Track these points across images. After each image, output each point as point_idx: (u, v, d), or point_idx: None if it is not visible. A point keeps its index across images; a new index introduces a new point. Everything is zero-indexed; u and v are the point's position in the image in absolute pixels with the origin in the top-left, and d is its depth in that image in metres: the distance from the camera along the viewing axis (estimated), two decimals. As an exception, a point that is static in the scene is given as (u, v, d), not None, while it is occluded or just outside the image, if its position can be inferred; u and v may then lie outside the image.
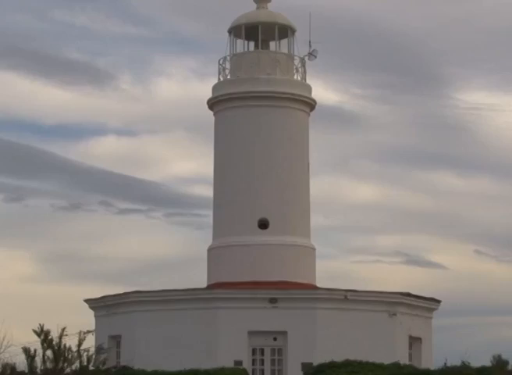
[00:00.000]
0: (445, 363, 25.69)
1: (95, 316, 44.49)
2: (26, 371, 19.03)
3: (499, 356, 20.10)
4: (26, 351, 19.35)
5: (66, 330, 20.17)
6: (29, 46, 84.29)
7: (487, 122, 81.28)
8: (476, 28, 79.61)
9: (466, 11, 78.53)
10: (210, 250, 45.42)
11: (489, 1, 78.53)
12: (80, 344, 20.43)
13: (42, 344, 19.81)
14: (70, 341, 20.96)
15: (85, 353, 20.41)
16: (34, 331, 19.99)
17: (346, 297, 41.43)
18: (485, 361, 21.43)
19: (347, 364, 29.79)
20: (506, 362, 19.58)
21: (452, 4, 79.05)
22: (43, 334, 19.93)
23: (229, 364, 35.45)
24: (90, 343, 23.43)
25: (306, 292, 42.45)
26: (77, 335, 20.78)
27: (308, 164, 45.85)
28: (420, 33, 79.35)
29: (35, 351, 19.52)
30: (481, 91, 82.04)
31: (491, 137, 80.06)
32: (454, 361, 24.81)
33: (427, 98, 79.50)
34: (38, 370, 19.82)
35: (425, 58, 78.95)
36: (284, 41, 47.24)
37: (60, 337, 20.20)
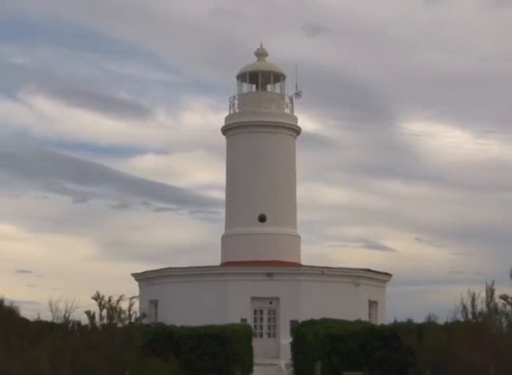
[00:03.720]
0: (395, 320, 25.64)
1: (139, 285, 44.59)
2: (89, 326, 19.06)
3: (433, 314, 20.24)
4: (88, 313, 19.35)
5: (117, 295, 20.16)
6: (90, 89, 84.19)
7: (424, 144, 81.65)
8: (417, 77, 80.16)
9: (410, 64, 79.10)
10: (223, 238, 45.51)
11: (426, 57, 79.14)
12: (129, 308, 20.40)
13: (99, 306, 19.76)
14: (120, 304, 20.96)
15: (131, 313, 20.37)
16: (93, 297, 19.96)
17: (322, 272, 41.50)
18: (423, 318, 21.52)
19: (323, 321, 29.73)
20: (437, 319, 19.69)
21: (399, 59, 79.66)
22: (99, 299, 19.87)
23: (237, 321, 35.47)
24: (135, 306, 23.52)
25: (293, 269, 42.51)
26: (125, 300, 20.72)
27: (295, 174, 45.94)
28: (376, 80, 79.79)
29: (94, 312, 19.52)
30: (420, 122, 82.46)
31: (427, 155, 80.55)
32: (401, 318, 24.78)
33: (380, 127, 79.93)
34: (97, 326, 19.82)
35: (380, 98, 79.30)
36: (277, 84, 47.33)
37: (110, 301, 20.13)
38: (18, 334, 13.66)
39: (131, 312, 21.07)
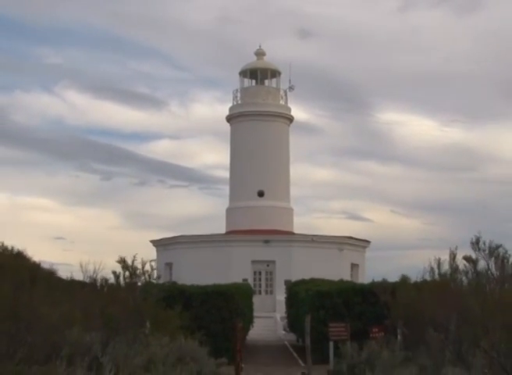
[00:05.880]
0: (372, 280, 25.73)
1: (156, 250, 44.82)
2: (114, 284, 19.10)
3: (406, 275, 20.33)
4: (114, 273, 19.37)
5: (137, 259, 20.18)
6: (115, 84, 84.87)
7: (397, 131, 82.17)
8: (391, 74, 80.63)
9: (385, 63, 79.36)
10: (227, 210, 45.67)
11: (399, 57, 79.22)
12: (143, 267, 20.38)
13: (122, 268, 19.78)
14: (140, 266, 20.95)
15: (147, 272, 20.36)
16: (118, 261, 19.96)
17: (312, 239, 41.70)
18: (397, 278, 21.59)
19: (312, 280, 29.86)
20: (408, 278, 19.76)
21: (377, 59, 79.78)
22: (122, 263, 19.88)
23: (239, 280, 35.62)
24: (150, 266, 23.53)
25: (287, 236, 42.71)
26: (145, 262, 20.75)
27: (288, 156, 46.02)
28: (357, 77, 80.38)
29: (119, 272, 19.54)
30: (393, 113, 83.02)
31: (400, 141, 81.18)
32: (378, 278, 24.87)
33: (360, 117, 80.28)
34: (121, 284, 19.85)
35: (360, 92, 79.89)
36: (274, 80, 47.41)
37: (132, 264, 20.13)
38: (56, 291, 13.84)
39: (149, 272, 21.07)
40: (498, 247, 15.95)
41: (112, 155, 78.72)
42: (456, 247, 17.16)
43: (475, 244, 15.97)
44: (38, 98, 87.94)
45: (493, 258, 15.96)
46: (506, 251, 15.98)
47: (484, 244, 16.01)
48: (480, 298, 13.68)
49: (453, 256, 17.06)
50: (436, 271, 17.42)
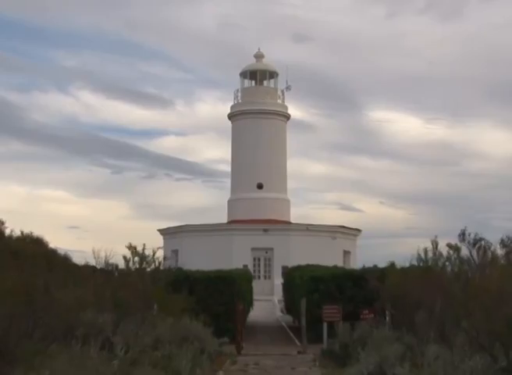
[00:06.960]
0: (363, 266, 25.72)
1: (163, 238, 44.92)
2: (125, 269, 19.15)
3: (393, 261, 20.36)
4: (124, 258, 19.42)
5: (146, 245, 20.22)
6: (125, 85, 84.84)
7: (386, 129, 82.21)
8: (380, 75, 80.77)
9: (375, 66, 79.40)
10: (229, 201, 45.74)
11: (387, 60, 79.24)
12: (153, 254, 20.41)
13: (132, 254, 19.83)
14: (149, 253, 20.98)
15: (157, 259, 20.41)
16: (127, 246, 19.98)
17: (307, 228, 41.81)
18: (385, 264, 21.59)
19: (307, 266, 29.83)
20: (395, 265, 19.80)
21: (366, 61, 79.90)
22: (131, 248, 19.92)
23: (240, 266, 35.66)
24: (160, 254, 23.51)
25: (284, 225, 42.82)
26: (153, 249, 20.80)
27: (286, 151, 46.05)
28: (349, 78, 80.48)
29: (129, 258, 19.59)
30: (383, 111, 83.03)
31: (388, 137, 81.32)
32: (368, 264, 24.86)
33: (352, 114, 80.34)
34: (131, 269, 19.89)
35: (351, 92, 79.91)
36: (272, 80, 47.46)
37: (142, 250, 20.18)
38: (71, 275, 13.95)
39: (159, 260, 21.10)
40: (481, 239, 16.07)
41: (122, 150, 78.93)
42: (436, 236, 17.31)
43: (461, 235, 16.08)
44: (54, 98, 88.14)
45: (476, 247, 16.05)
46: (487, 242, 16.09)
47: (469, 235, 16.13)
48: (462, 283, 13.77)
49: (435, 244, 17.18)
50: (422, 258, 17.49)
